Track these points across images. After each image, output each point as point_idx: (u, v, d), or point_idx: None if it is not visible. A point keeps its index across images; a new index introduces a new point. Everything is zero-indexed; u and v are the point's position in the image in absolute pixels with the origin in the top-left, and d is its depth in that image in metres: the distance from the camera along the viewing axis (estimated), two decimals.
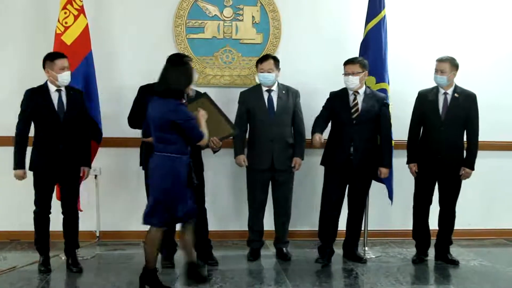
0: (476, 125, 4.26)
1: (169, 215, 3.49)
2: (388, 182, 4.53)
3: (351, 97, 4.22)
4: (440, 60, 4.24)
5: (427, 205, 4.37)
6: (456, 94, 4.23)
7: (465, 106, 4.23)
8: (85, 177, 4.13)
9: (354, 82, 4.17)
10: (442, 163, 4.21)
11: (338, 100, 4.26)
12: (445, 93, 4.24)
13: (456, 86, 4.26)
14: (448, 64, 4.20)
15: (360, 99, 4.20)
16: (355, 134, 4.15)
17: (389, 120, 4.30)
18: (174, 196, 3.47)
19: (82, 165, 4.05)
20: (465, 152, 4.29)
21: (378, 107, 4.21)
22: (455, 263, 4.35)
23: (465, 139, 4.31)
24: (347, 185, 4.30)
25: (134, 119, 4.03)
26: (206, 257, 4.24)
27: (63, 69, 3.87)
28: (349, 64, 4.19)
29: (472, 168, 4.27)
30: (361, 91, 4.23)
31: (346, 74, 4.19)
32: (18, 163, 3.86)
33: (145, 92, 3.92)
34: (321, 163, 4.34)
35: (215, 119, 3.81)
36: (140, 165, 4.15)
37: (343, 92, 4.28)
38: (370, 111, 4.18)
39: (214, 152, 4.11)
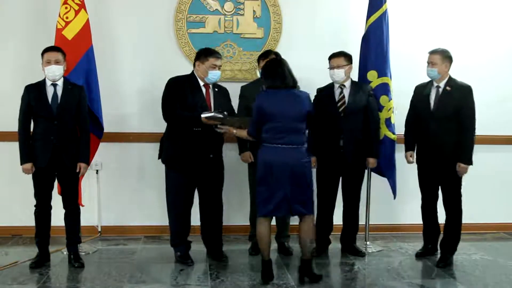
0: (469, 118, 4.03)
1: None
2: (391, 177, 4.51)
3: (337, 91, 4.25)
4: (431, 52, 4.15)
5: (433, 201, 4.28)
6: (448, 87, 4.08)
7: (457, 99, 4.03)
8: (81, 173, 4.03)
9: (339, 75, 4.21)
10: (435, 157, 4.10)
11: (324, 95, 4.28)
12: (438, 86, 4.12)
13: (450, 79, 4.11)
14: (439, 56, 4.09)
15: (346, 92, 4.24)
16: (344, 126, 4.17)
17: (376, 110, 4.32)
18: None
19: (78, 160, 3.97)
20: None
21: (366, 99, 4.23)
22: None
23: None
24: (340, 178, 4.33)
25: (172, 112, 3.95)
26: (218, 255, 4.24)
27: (49, 62, 3.87)
28: (334, 58, 4.24)
29: (468, 163, 4.03)
30: (347, 84, 4.26)
31: (331, 67, 4.24)
32: (24, 157, 3.87)
33: (178, 84, 3.99)
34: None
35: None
36: (159, 158, 4.15)
37: (329, 86, 4.31)
38: (358, 103, 4.20)
39: (218, 131, 3.94)
